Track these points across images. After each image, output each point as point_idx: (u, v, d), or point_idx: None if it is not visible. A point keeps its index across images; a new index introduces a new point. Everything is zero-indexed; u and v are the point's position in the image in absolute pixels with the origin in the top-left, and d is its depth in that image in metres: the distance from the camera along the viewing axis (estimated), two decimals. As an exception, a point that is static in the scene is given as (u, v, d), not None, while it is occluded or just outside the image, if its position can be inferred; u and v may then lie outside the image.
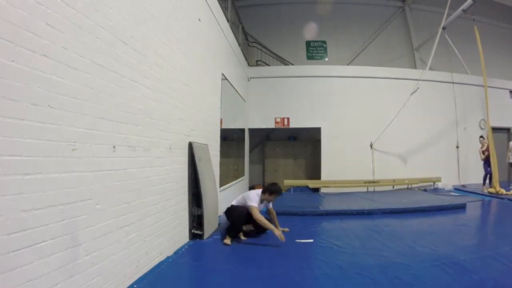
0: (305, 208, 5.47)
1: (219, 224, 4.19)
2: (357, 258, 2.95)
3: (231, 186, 6.12)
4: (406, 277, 2.46)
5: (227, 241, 3.45)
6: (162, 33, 2.90)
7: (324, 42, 10.76)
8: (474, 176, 8.71)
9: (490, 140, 7.28)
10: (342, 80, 8.74)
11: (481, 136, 8.02)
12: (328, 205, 5.88)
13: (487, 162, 7.46)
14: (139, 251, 2.46)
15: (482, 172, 7.68)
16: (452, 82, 9.08)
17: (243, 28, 8.04)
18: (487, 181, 7.52)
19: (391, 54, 10.84)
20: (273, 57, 9.89)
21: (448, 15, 8.33)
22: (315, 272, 2.66)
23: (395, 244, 3.42)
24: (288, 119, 8.58)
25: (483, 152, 7.59)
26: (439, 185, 8.57)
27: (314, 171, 9.25)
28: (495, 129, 9.31)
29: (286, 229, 3.87)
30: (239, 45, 7.14)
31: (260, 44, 9.88)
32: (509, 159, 7.75)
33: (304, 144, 10.04)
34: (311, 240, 3.57)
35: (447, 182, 8.60)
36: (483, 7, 9.69)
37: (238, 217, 3.56)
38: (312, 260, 3.00)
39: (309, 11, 10.77)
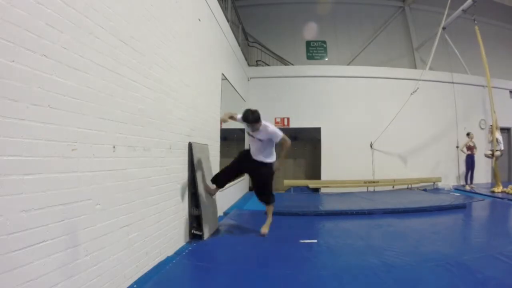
0: (306, 208, 5.46)
1: (219, 224, 4.19)
2: (362, 258, 2.96)
3: (231, 186, 6.12)
4: (412, 277, 2.47)
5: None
6: (162, 33, 2.90)
7: (324, 42, 10.75)
8: (474, 176, 8.70)
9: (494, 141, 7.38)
10: (342, 80, 8.73)
11: (468, 133, 8.38)
12: (329, 205, 5.88)
13: (471, 157, 7.96)
14: (139, 251, 2.46)
15: (482, 172, 7.71)
16: (452, 82, 9.08)
17: (243, 28, 8.03)
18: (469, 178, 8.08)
19: (391, 54, 10.83)
20: (273, 57, 9.88)
21: (448, 15, 8.33)
22: (321, 272, 2.65)
23: (399, 244, 3.42)
24: (288, 119, 8.58)
25: (468, 148, 8.09)
26: (439, 185, 8.57)
27: (314, 171, 9.24)
28: (495, 129, 9.33)
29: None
30: (239, 45, 7.14)
31: (260, 44, 9.87)
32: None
33: (304, 144, 10.03)
34: (315, 241, 3.56)
35: (447, 182, 8.60)
36: (483, 7, 9.67)
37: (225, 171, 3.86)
38: (317, 260, 2.99)
39: (309, 11, 10.76)
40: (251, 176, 3.86)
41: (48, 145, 1.56)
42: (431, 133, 8.84)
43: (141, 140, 2.50)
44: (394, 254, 3.03)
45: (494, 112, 7.36)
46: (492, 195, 6.78)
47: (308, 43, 10.72)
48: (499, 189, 7.08)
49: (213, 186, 3.84)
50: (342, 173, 8.25)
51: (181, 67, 3.35)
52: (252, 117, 3.34)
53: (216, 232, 3.90)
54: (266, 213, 3.91)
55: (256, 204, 6.24)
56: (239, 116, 3.46)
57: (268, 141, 3.51)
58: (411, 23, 11.04)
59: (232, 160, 3.90)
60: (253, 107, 3.53)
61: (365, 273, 2.56)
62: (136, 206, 2.41)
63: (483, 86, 8.94)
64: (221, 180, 3.86)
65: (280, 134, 3.46)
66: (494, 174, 7.19)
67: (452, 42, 8.75)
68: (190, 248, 3.32)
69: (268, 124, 3.48)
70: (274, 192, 3.83)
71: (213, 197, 3.97)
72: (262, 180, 3.69)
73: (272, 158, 3.64)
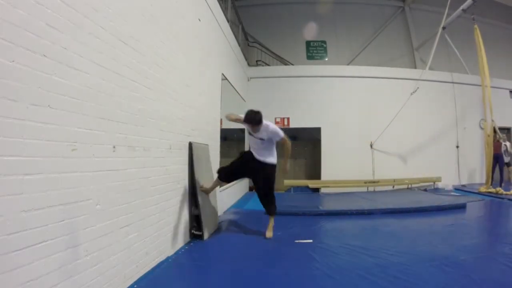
0: (305, 208, 5.46)
1: (219, 224, 4.19)
2: (357, 258, 2.96)
3: (231, 186, 6.12)
4: (406, 277, 2.46)
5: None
6: (162, 33, 2.90)
7: (324, 42, 10.76)
8: (474, 176, 8.72)
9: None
10: (342, 80, 8.74)
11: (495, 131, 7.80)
12: (328, 205, 5.88)
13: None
14: (139, 251, 2.46)
15: (481, 172, 7.72)
16: (452, 82, 9.09)
17: (243, 28, 8.03)
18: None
19: (391, 54, 10.84)
20: (273, 57, 9.89)
21: (448, 15, 8.32)
22: (315, 272, 2.66)
23: (395, 244, 3.42)
24: (288, 119, 8.58)
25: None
26: (439, 185, 8.57)
27: (314, 171, 9.25)
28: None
29: None
30: (239, 45, 7.14)
31: (260, 44, 9.88)
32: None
33: (304, 144, 10.03)
34: (311, 241, 3.57)
35: (447, 182, 8.61)
36: (483, 7, 9.68)
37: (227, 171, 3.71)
38: (311, 260, 2.99)
39: (309, 11, 10.77)
40: (255, 177, 3.74)
41: (48, 145, 1.56)
42: (431, 133, 8.84)
43: (141, 140, 2.50)
44: (389, 254, 3.02)
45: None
46: (492, 195, 6.78)
47: (308, 43, 10.73)
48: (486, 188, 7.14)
49: (209, 185, 3.78)
50: (342, 173, 8.25)
51: (181, 67, 3.35)
52: (256, 119, 3.29)
53: (216, 232, 3.91)
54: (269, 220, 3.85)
55: (256, 204, 6.26)
56: (242, 116, 3.39)
57: (269, 141, 3.49)
58: (411, 23, 11.05)
59: (234, 161, 3.77)
60: (253, 107, 3.53)
61: (359, 273, 2.55)
62: (136, 206, 2.41)
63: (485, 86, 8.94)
64: (223, 176, 3.75)
65: (281, 133, 3.45)
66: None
67: (452, 42, 8.74)
68: (190, 248, 3.32)
69: (269, 123, 3.44)
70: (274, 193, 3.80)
71: (209, 196, 3.88)
72: (267, 181, 3.61)
73: (274, 158, 3.61)
